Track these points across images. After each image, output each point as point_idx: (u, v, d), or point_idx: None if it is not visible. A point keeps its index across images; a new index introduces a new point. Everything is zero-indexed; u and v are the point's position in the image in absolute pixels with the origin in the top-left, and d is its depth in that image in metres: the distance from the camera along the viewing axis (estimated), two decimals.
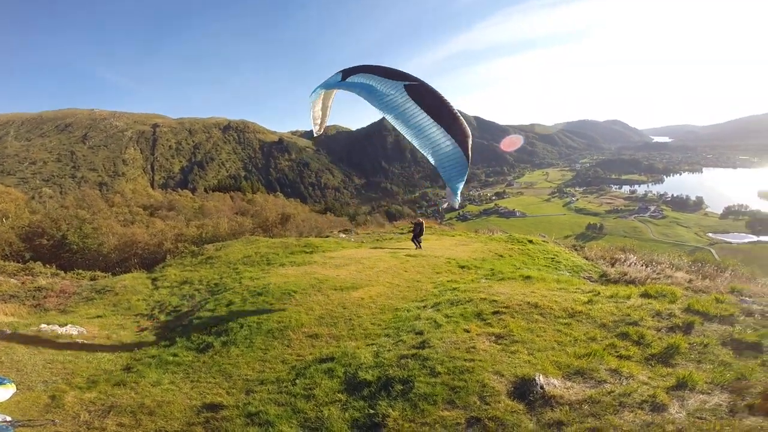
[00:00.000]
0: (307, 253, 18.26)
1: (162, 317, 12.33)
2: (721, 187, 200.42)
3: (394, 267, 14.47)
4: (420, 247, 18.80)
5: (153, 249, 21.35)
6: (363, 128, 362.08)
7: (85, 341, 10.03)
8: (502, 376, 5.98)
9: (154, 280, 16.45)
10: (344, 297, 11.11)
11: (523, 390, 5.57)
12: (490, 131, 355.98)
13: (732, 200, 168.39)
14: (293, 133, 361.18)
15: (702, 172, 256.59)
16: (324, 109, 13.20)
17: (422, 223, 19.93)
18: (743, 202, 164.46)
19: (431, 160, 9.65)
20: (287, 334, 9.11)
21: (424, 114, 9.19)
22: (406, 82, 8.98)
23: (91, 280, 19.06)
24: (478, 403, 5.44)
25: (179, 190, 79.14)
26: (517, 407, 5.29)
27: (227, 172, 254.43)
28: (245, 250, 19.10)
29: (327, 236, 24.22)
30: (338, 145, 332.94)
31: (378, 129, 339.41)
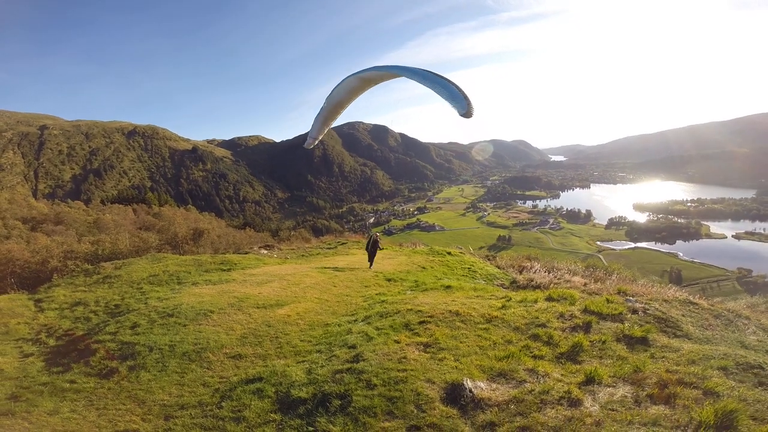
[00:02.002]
0: (224, 270, 17.10)
1: (51, 342, 10.63)
2: (605, 201, 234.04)
3: (322, 282, 14.20)
4: (371, 266, 17.00)
5: (35, 267, 18.18)
6: (288, 140, 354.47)
7: None
8: (434, 383, 6.16)
9: (38, 301, 14.12)
10: (268, 315, 10.58)
11: (454, 395, 5.80)
12: (414, 148, 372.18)
13: (614, 212, 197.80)
14: (209, 141, 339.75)
15: (590, 187, 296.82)
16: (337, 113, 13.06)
17: (376, 238, 17.55)
18: (622, 214, 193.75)
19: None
20: (206, 356, 8.46)
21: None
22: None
23: None
24: (416, 411, 5.55)
25: (69, 201, 68.82)
26: (452, 412, 5.48)
27: (130, 182, 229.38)
28: (151, 269, 17.25)
29: (246, 253, 22.90)
30: (260, 156, 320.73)
31: (304, 141, 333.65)
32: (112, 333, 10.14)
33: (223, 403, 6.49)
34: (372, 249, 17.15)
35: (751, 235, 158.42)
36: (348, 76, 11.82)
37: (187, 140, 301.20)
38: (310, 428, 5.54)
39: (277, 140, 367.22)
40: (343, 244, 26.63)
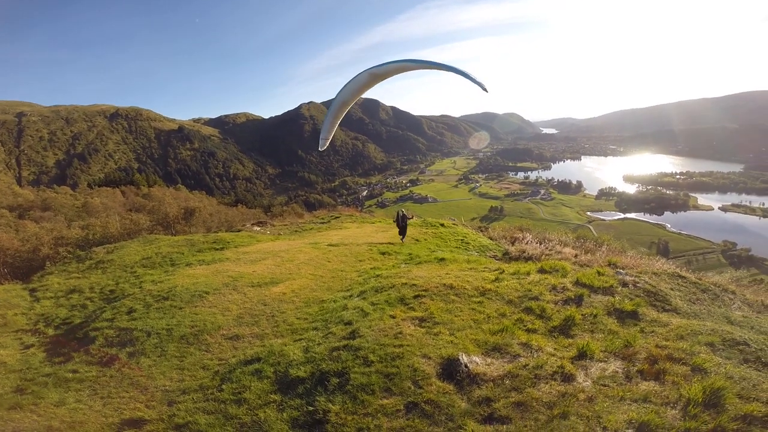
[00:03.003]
0: (217, 249, 17.00)
1: (50, 331, 10.61)
2: (596, 173, 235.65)
3: (316, 258, 14.20)
4: (402, 239, 17.42)
5: (27, 256, 17.89)
6: (277, 116, 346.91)
7: None
8: (430, 358, 6.25)
9: (33, 291, 13.98)
10: (264, 293, 10.60)
11: (450, 370, 5.90)
12: (406, 121, 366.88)
13: (604, 183, 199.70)
14: (196, 120, 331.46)
15: (581, 159, 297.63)
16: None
17: (404, 213, 17.88)
18: (613, 185, 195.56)
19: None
20: (204, 338, 8.49)
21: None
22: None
23: None
24: (413, 387, 5.63)
25: (56, 186, 67.38)
26: (448, 388, 5.59)
27: (116, 164, 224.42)
28: (143, 251, 17.10)
29: (239, 230, 22.74)
30: (248, 133, 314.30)
31: (294, 117, 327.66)
32: (109, 319, 10.13)
33: (224, 386, 6.52)
34: (402, 223, 17.60)
35: (737, 208, 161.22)
36: (360, 73, 12.36)
37: (173, 120, 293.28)
38: (310, 408, 5.59)
39: (266, 116, 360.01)
40: (336, 218, 26.59)
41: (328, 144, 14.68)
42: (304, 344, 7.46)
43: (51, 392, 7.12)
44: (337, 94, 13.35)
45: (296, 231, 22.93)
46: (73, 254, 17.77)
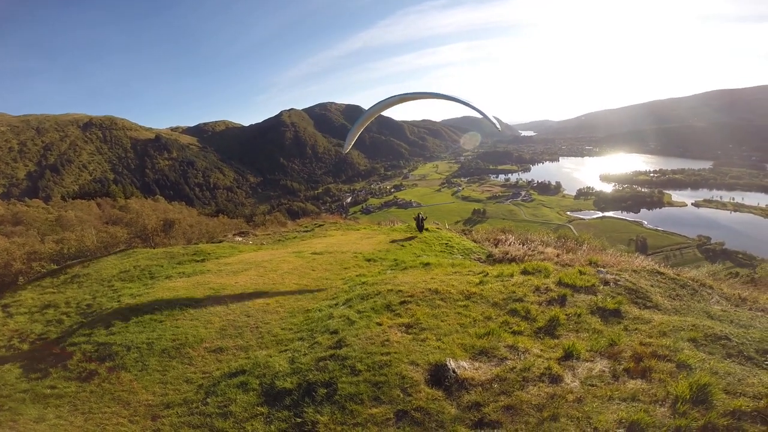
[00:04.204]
0: (197, 261, 16.62)
1: (25, 347, 10.19)
2: (574, 173, 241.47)
3: (300, 267, 14.01)
4: (420, 232, 20.75)
5: None
6: (257, 124, 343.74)
7: None
8: (418, 365, 6.19)
9: (6, 306, 13.44)
10: (247, 305, 10.39)
11: (438, 376, 5.85)
12: (388, 127, 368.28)
13: (582, 183, 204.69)
14: (173, 129, 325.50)
15: (559, 160, 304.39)
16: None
17: (423, 216, 21.60)
18: (590, 185, 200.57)
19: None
20: (186, 351, 8.30)
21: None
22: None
23: None
24: (402, 395, 5.57)
25: (27, 199, 64.93)
26: (437, 394, 5.54)
27: (91, 175, 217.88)
28: (121, 264, 16.57)
29: (220, 241, 22.29)
30: (228, 141, 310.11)
31: (275, 124, 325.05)
32: (86, 334, 9.81)
33: (209, 399, 6.40)
34: (420, 223, 20.92)
35: (709, 203, 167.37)
36: (393, 96, 15.19)
37: (150, 129, 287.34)
38: (298, 419, 5.49)
39: (246, 124, 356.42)
40: (320, 226, 26.32)
41: (349, 149, 17.68)
42: (290, 355, 7.31)
43: (29, 408, 6.93)
44: (369, 108, 16.29)
45: (279, 240, 22.61)
46: (47, 269, 17.11)
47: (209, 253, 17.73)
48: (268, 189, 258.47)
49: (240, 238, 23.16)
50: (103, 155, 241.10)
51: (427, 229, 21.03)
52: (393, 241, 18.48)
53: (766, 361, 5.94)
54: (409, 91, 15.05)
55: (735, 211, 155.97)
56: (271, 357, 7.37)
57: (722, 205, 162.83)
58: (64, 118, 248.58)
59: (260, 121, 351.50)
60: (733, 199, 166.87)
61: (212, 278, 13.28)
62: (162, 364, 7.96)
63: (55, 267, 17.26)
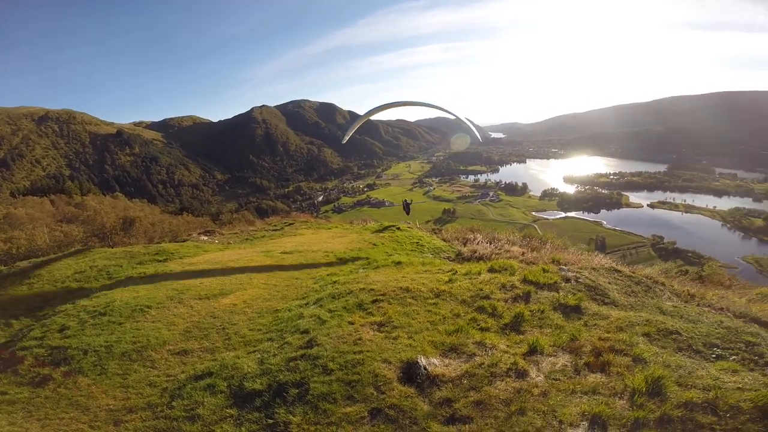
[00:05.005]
0: (159, 261, 15.95)
1: None
2: (540, 175, 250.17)
3: (269, 266, 13.73)
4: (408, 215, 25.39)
5: None
6: (227, 120, 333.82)
7: None
8: (390, 363, 6.22)
9: None
10: (212, 305, 10.07)
11: (411, 373, 5.91)
12: (364, 126, 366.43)
13: (547, 185, 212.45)
14: (137, 124, 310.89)
15: (526, 162, 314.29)
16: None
17: (409, 202, 26.52)
18: (555, 186, 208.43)
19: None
20: (148, 354, 7.97)
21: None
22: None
23: None
24: (375, 393, 5.58)
25: None
26: (410, 391, 5.59)
27: (44, 171, 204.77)
28: (76, 265, 15.65)
29: (185, 240, 21.44)
30: (196, 137, 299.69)
31: (245, 121, 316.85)
32: (38, 338, 9.25)
33: (174, 403, 6.18)
34: (407, 208, 25.10)
35: (663, 204, 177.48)
36: (394, 101, 19.76)
37: (111, 124, 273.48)
38: (270, 420, 5.40)
39: (215, 120, 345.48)
40: (290, 224, 25.89)
41: (347, 140, 22.34)
42: (259, 356, 7.16)
43: None
44: (371, 109, 20.68)
45: (247, 239, 22.06)
46: None
47: (172, 253, 17.06)
48: (236, 187, 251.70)
49: (205, 237, 22.41)
50: (59, 150, 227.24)
51: (399, 228, 21.16)
52: (376, 232, 18.62)
53: (712, 354, 6.33)
54: (408, 99, 19.41)
55: (686, 212, 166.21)
56: (239, 358, 7.19)
57: (675, 207, 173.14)
58: (17, 111, 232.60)
59: (230, 116, 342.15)
60: (685, 200, 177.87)
61: (176, 279, 12.80)
62: (122, 368, 7.62)
63: (3, 268, 16.11)
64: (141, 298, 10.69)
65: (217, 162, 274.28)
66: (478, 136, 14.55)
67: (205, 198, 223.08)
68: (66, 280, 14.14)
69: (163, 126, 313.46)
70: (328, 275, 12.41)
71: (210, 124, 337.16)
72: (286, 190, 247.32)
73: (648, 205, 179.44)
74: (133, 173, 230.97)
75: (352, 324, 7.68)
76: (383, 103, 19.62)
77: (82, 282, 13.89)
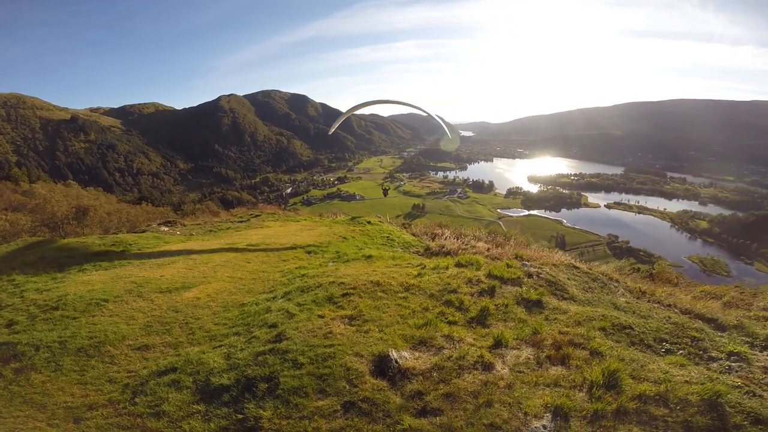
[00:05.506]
0: (116, 252, 15.17)
1: None
2: (505, 174, 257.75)
3: (234, 259, 13.37)
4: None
5: None
6: (191, 108, 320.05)
7: None
8: (362, 356, 6.25)
9: None
10: (174, 299, 9.71)
11: (382, 367, 5.97)
12: (335, 118, 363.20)
13: (512, 183, 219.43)
14: (94, 110, 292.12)
15: (493, 161, 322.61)
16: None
17: (386, 187, 26.94)
18: (519, 185, 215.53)
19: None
20: (106, 349, 7.58)
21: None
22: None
23: None
24: (348, 387, 5.59)
25: None
26: (382, 385, 5.64)
27: None
28: (24, 257, 14.59)
29: (144, 231, 20.44)
30: (157, 125, 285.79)
31: (211, 109, 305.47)
32: None
33: (137, 399, 5.96)
34: (386, 193, 28.40)
35: (618, 205, 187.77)
36: (378, 99, 22.67)
37: (65, 109, 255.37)
38: (239, 416, 5.31)
39: (178, 108, 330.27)
40: (257, 216, 25.29)
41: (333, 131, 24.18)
42: (225, 351, 6.99)
43: None
44: (356, 104, 23.17)
45: (211, 231, 21.35)
46: None
47: (130, 244, 16.26)
48: (200, 176, 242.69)
49: (166, 228, 21.48)
50: (5, 135, 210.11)
51: (369, 222, 21.18)
52: (346, 225, 18.53)
53: (662, 348, 6.76)
54: (391, 98, 21.87)
55: (639, 213, 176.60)
56: (204, 353, 6.99)
57: (629, 208, 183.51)
58: None
59: (195, 104, 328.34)
60: (638, 202, 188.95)
61: (134, 271, 12.21)
62: (79, 364, 7.23)
63: None
64: (97, 292, 10.14)
65: (180, 151, 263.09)
66: (449, 134, 14.98)
67: (166, 187, 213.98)
68: (12, 273, 13.16)
69: (122, 112, 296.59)
70: (296, 268, 12.24)
71: (174, 111, 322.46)
72: (253, 181, 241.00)
73: (605, 205, 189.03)
74: (88, 161, 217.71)
75: (322, 317, 7.64)
76: (368, 100, 22.09)
77: (31, 274, 12.98)
